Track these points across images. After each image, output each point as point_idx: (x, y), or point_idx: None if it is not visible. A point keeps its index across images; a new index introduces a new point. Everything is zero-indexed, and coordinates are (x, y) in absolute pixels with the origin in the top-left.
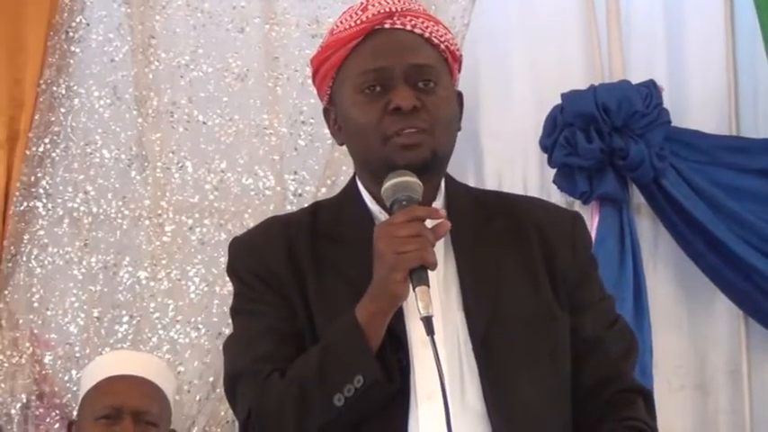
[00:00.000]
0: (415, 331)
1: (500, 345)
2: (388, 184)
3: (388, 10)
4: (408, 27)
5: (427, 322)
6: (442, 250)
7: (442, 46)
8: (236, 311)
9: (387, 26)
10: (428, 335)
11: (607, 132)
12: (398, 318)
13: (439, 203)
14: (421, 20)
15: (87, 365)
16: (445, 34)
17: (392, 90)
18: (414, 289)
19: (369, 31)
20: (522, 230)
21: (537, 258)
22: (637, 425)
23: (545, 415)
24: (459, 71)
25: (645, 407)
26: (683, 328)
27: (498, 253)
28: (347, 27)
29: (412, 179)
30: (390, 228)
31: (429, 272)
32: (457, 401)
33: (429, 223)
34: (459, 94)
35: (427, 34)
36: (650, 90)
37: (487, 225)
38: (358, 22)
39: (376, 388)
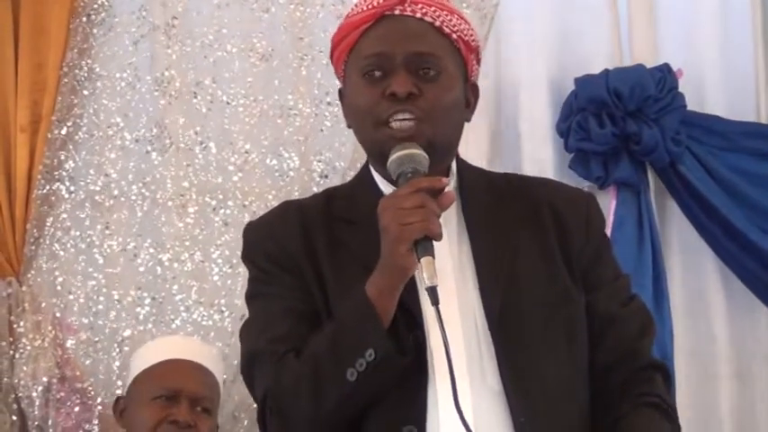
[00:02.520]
0: (432, 309)
1: (516, 325)
2: (393, 156)
3: None
4: (418, 15)
5: (432, 292)
6: (455, 231)
7: (454, 36)
8: (251, 297)
9: (397, 12)
10: (433, 305)
11: (620, 117)
12: (414, 296)
13: (450, 186)
14: (433, 8)
15: (140, 347)
16: (459, 24)
17: (392, 76)
18: (419, 260)
19: (379, 16)
20: (536, 211)
21: (552, 239)
22: (654, 401)
23: (563, 395)
24: (479, 63)
25: (663, 383)
26: (720, 316)
27: (513, 234)
28: (361, 10)
29: (417, 151)
30: (394, 200)
31: (445, 252)
32: (477, 381)
33: None
34: (474, 86)
35: (438, 23)
36: (664, 74)
37: (501, 206)
38: (370, 6)
39: (388, 361)
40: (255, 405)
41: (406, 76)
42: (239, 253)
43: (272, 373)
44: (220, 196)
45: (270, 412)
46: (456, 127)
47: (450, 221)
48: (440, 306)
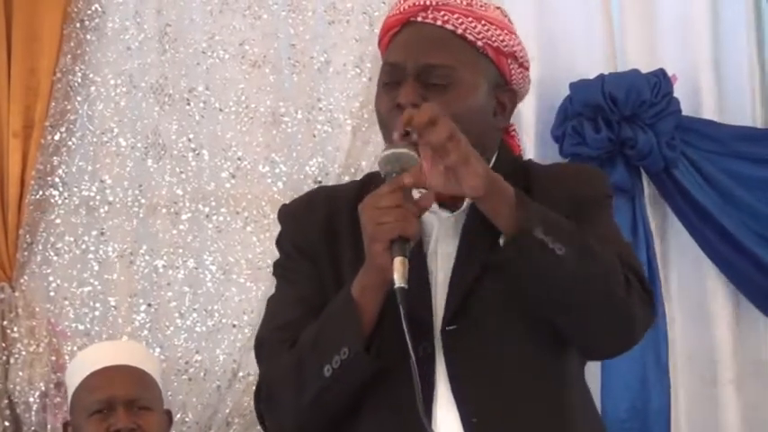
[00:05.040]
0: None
1: (472, 325)
2: (381, 156)
3: (422, 3)
4: (440, 22)
5: (400, 293)
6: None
7: (480, 43)
8: (276, 278)
9: (419, 19)
10: (399, 304)
11: (615, 122)
12: (425, 305)
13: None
14: (456, 15)
15: (69, 366)
16: (487, 31)
17: (402, 86)
18: (392, 258)
19: (405, 22)
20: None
21: None
22: None
23: (522, 394)
24: (524, 66)
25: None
26: (717, 321)
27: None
28: (393, 14)
29: (403, 150)
30: (373, 199)
31: (429, 248)
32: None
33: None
34: (512, 92)
35: (460, 30)
36: (659, 79)
37: None
38: (400, 11)
39: (357, 361)
40: (251, 411)
41: (413, 86)
42: (232, 259)
43: (269, 362)
44: (213, 203)
45: (263, 398)
46: (473, 138)
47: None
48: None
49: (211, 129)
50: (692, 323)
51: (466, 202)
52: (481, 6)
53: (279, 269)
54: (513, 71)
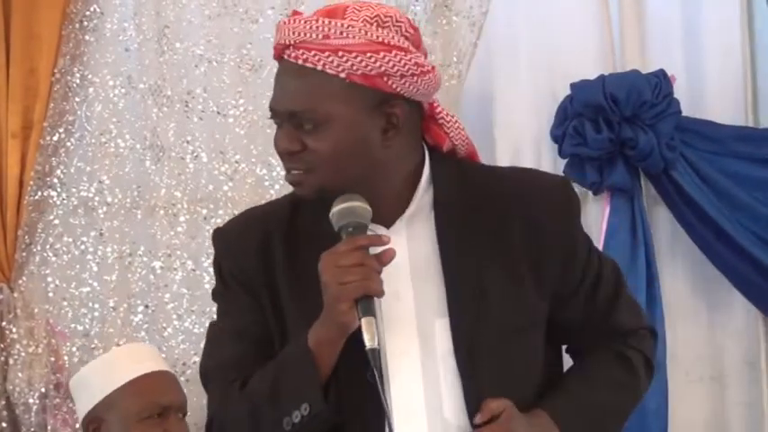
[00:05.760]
0: (392, 343)
1: (484, 355)
2: (334, 210)
3: (284, 42)
4: (300, 61)
5: (372, 354)
6: (427, 252)
7: (342, 74)
8: (214, 297)
9: (285, 57)
10: (374, 367)
11: (616, 122)
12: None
13: (412, 209)
14: (313, 52)
15: (101, 362)
16: (346, 62)
17: (279, 129)
18: (359, 319)
19: (278, 59)
20: (507, 223)
21: (520, 252)
22: (618, 348)
23: None
24: (404, 75)
25: (641, 340)
26: (700, 320)
27: (484, 255)
28: (273, 45)
29: (357, 203)
30: (333, 257)
31: (405, 274)
32: (435, 417)
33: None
34: (399, 104)
35: (320, 67)
36: (660, 80)
37: (476, 219)
38: (274, 44)
39: (320, 417)
40: None
41: (287, 132)
42: None
43: (218, 403)
44: (211, 205)
45: None
46: (363, 166)
47: (423, 240)
48: (398, 333)
49: (209, 131)
50: (690, 323)
51: (413, 206)
52: (341, 33)
53: (217, 297)
54: (393, 84)
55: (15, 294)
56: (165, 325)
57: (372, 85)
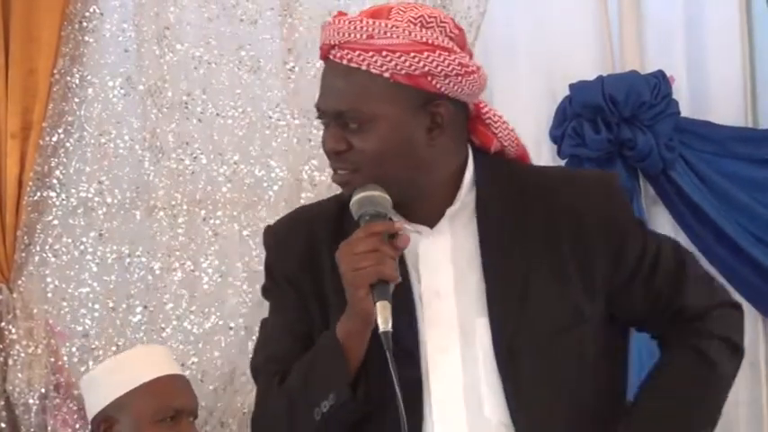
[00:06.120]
0: (433, 340)
1: (524, 355)
2: (353, 199)
3: (329, 42)
4: (345, 61)
5: (386, 337)
6: (470, 250)
7: (386, 74)
8: (264, 294)
9: (331, 57)
10: (386, 350)
11: (615, 123)
12: (411, 328)
13: (455, 208)
14: (357, 52)
15: (116, 362)
16: (390, 61)
17: (327, 129)
18: (374, 303)
19: (324, 59)
20: (554, 222)
21: (566, 252)
22: (696, 344)
23: (570, 426)
24: (448, 75)
25: (716, 320)
26: None
27: (526, 251)
28: (319, 45)
29: (375, 193)
30: (349, 245)
31: (448, 273)
32: (474, 413)
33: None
34: (444, 103)
35: (364, 67)
36: (659, 81)
37: (518, 221)
38: (320, 45)
39: (346, 408)
40: (244, 412)
41: (334, 132)
42: (229, 262)
43: (261, 396)
44: (210, 207)
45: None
46: (408, 165)
47: (466, 240)
48: (439, 330)
49: (208, 133)
50: None
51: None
52: (385, 33)
53: (266, 294)
54: (437, 84)
55: (15, 295)
56: (163, 326)
57: (417, 85)
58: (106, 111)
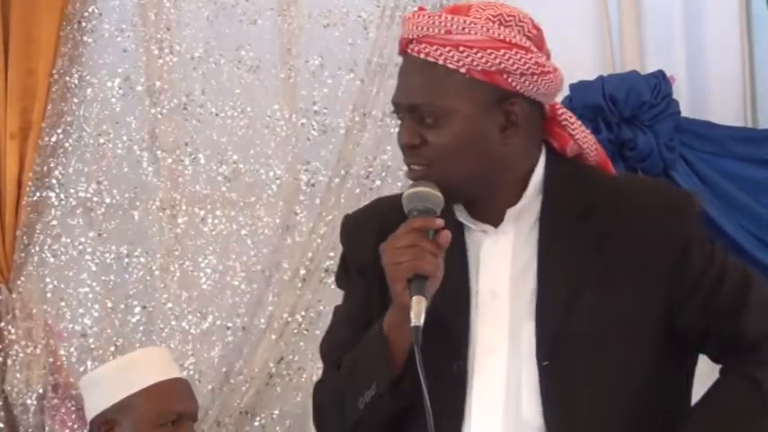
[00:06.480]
0: (483, 339)
1: (565, 362)
2: (405, 194)
3: (407, 36)
4: (422, 55)
5: (416, 332)
6: (529, 253)
7: (462, 70)
8: (337, 283)
9: (409, 51)
10: (414, 344)
11: (615, 123)
12: (462, 324)
13: (518, 208)
14: (435, 47)
15: (119, 365)
16: (467, 57)
17: (402, 123)
18: (410, 297)
19: (402, 53)
20: (615, 232)
21: (624, 265)
22: (751, 372)
23: None
24: (524, 74)
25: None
26: None
27: (584, 264)
28: (399, 38)
29: (426, 189)
30: (391, 240)
31: (505, 274)
32: (512, 414)
33: None
34: (519, 102)
35: (441, 61)
36: (659, 81)
37: (581, 227)
38: (400, 38)
39: (386, 399)
40: (240, 411)
41: (409, 126)
42: (227, 262)
43: (321, 381)
44: (209, 206)
45: (315, 412)
46: (480, 162)
47: (528, 242)
48: (490, 329)
49: (207, 132)
50: None
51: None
52: (463, 29)
53: (338, 282)
54: (513, 82)
55: (14, 295)
56: (162, 326)
57: (492, 82)
58: (105, 111)
